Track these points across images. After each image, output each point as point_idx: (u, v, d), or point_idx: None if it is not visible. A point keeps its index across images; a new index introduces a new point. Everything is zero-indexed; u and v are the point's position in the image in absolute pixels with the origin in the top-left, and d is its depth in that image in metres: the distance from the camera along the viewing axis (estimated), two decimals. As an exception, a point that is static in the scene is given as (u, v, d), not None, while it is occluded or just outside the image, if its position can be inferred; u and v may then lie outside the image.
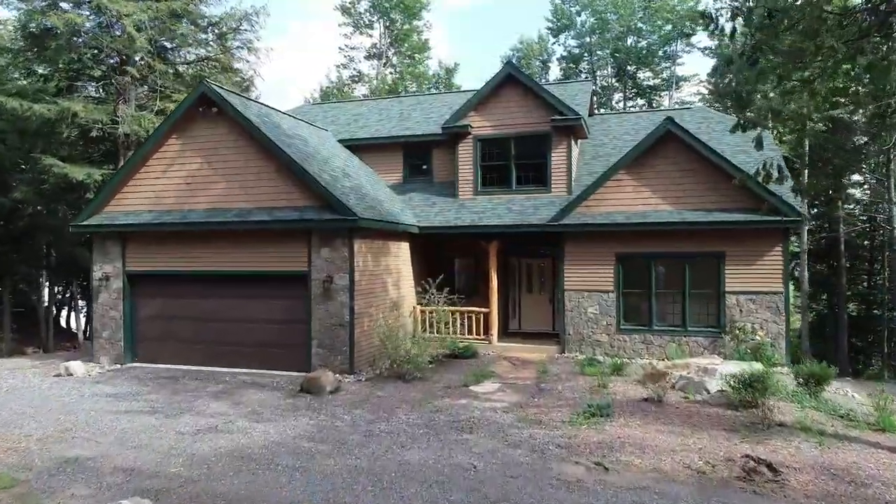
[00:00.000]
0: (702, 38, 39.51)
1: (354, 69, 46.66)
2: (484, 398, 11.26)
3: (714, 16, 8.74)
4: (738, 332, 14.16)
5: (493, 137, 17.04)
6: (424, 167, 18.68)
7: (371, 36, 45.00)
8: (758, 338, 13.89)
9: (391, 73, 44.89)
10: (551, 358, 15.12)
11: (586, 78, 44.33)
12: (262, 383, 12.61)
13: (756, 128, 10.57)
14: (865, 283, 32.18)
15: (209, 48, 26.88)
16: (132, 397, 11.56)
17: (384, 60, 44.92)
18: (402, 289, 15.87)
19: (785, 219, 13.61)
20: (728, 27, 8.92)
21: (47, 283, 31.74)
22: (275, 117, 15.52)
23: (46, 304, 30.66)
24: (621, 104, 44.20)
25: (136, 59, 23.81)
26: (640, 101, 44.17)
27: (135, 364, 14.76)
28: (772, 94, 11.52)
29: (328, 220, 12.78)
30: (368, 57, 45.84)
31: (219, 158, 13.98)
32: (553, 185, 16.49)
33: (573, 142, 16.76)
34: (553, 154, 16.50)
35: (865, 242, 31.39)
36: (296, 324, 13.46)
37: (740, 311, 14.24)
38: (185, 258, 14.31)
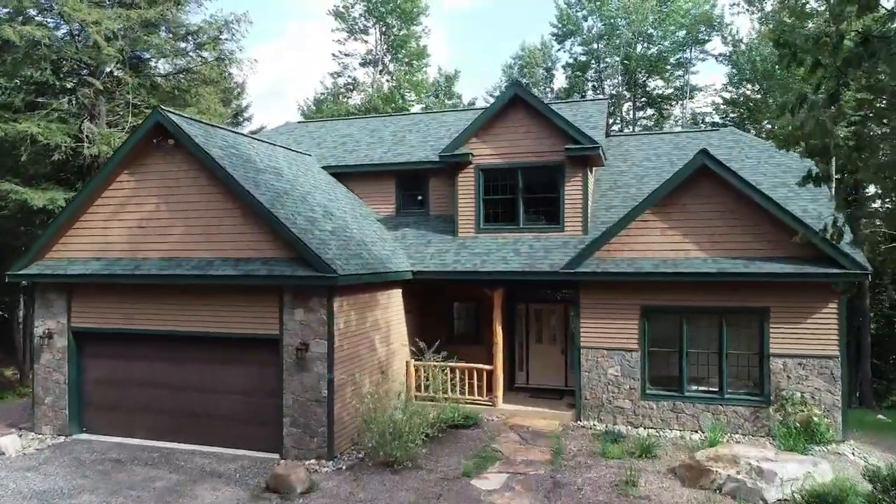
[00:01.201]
0: (716, 45, 37.60)
1: (349, 76, 44.78)
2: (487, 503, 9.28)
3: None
4: (784, 401, 12.19)
5: (498, 167, 15.09)
6: (420, 198, 16.73)
7: (366, 42, 43.14)
8: (813, 412, 11.91)
9: (388, 80, 42.94)
10: (566, 427, 13.15)
11: (594, 87, 42.43)
12: (223, 472, 10.64)
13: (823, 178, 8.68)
14: (887, 303, 30.33)
15: (189, 58, 24.93)
16: (61, 498, 9.58)
17: (380, 67, 43.00)
18: (393, 343, 13.91)
19: (845, 271, 11.62)
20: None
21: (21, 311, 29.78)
22: (245, 147, 13.55)
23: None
24: (630, 114, 42.26)
25: (105, 71, 21.83)
26: (650, 111, 42.22)
27: (81, 436, 12.79)
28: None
29: (303, 276, 10.82)
30: (364, 64, 43.93)
31: (177, 199, 12.03)
32: (566, 223, 14.52)
33: (589, 172, 14.78)
34: (566, 187, 14.54)
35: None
36: (266, 397, 11.50)
37: (787, 377, 12.26)
38: (139, 314, 12.35)
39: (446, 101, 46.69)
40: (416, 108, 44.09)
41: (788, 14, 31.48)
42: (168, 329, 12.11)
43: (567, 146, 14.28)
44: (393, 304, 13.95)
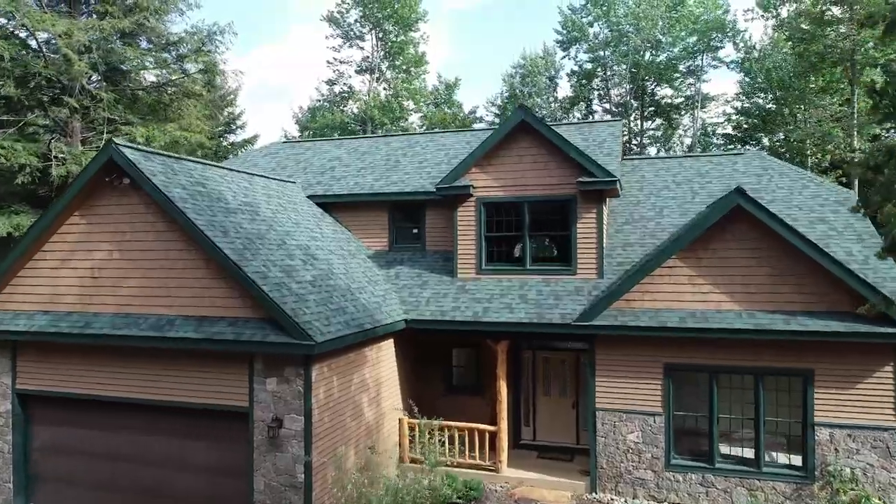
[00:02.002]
0: (728, 52, 36.10)
1: (345, 84, 43.34)
2: None
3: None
4: (832, 478, 10.68)
5: (502, 201, 13.59)
6: (416, 230, 15.25)
7: (362, 49, 41.68)
8: (865, 492, 10.40)
9: (385, 88, 41.52)
10: (579, 500, 11.67)
11: (599, 96, 40.96)
12: (180, 575, 9.11)
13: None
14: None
15: (171, 70, 23.46)
16: None
17: (377, 75, 41.54)
18: (384, 403, 12.41)
19: (904, 333, 10.12)
20: None
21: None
22: (216, 182, 12.05)
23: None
24: (638, 122, 40.75)
25: (77, 86, 20.37)
26: (659, 121, 40.72)
27: (26, 514, 11.27)
28: None
29: (275, 343, 9.31)
30: (360, 71, 42.48)
31: (133, 246, 10.54)
32: (579, 265, 13.01)
33: (604, 206, 13.27)
34: (579, 225, 13.03)
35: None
36: (234, 477, 10.00)
37: (835, 449, 10.75)
38: (91, 377, 10.86)
39: (446, 109, 45.27)
40: (415, 117, 42.73)
41: (808, 22, 30.07)
42: (123, 395, 10.61)
43: (580, 179, 12.77)
44: (384, 358, 12.45)
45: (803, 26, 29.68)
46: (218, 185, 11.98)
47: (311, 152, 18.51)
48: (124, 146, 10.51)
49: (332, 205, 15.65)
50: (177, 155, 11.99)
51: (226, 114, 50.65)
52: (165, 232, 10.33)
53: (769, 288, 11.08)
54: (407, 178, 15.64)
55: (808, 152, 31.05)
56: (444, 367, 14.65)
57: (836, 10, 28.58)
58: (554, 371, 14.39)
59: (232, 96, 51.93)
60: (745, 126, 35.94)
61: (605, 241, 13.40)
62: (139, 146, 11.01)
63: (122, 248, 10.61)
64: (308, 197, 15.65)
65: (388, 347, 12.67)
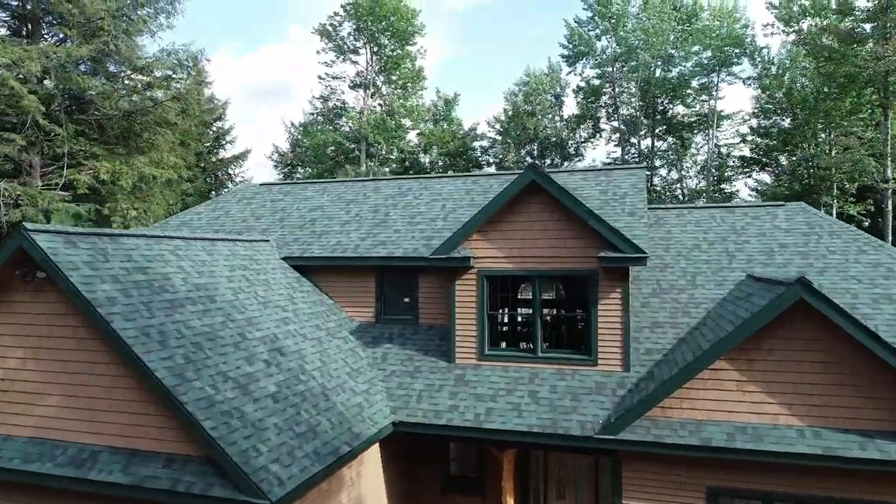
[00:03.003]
0: (745, 67, 34.14)
1: (338, 100, 41.40)
2: None
3: None
4: None
5: (508, 275, 11.62)
6: (407, 299, 13.25)
7: (356, 63, 39.70)
8: None
9: (380, 104, 39.57)
10: None
11: (608, 114, 38.99)
12: None
13: None
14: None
15: (140, 97, 21.48)
16: None
17: (371, 90, 39.57)
18: (367, 526, 10.38)
19: None
20: None
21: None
22: (162, 262, 10.05)
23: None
24: (648, 141, 38.74)
25: (29, 120, 18.39)
26: (671, 139, 38.70)
27: None
28: None
29: (219, 499, 7.30)
30: (353, 86, 40.51)
31: (53, 355, 8.61)
32: (601, 355, 11.01)
33: (630, 284, 11.27)
34: (601, 306, 11.04)
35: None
36: None
37: None
38: (0, 513, 8.83)
39: (444, 125, 43.36)
40: (412, 135, 40.79)
41: (836, 40, 28.14)
42: (38, 541, 8.59)
43: (602, 254, 10.77)
44: (367, 473, 10.44)
45: (830, 43, 27.76)
46: (165, 267, 9.97)
47: (290, 198, 16.51)
48: (41, 231, 8.52)
49: (311, 268, 13.67)
50: (115, 231, 9.97)
51: (214, 128, 48.92)
52: (89, 340, 8.35)
53: (839, 400, 9.08)
54: (397, 236, 13.65)
55: (834, 179, 29.09)
56: (440, 465, 12.64)
57: (867, 27, 26.67)
58: (570, 476, 12.36)
59: (221, 111, 50.21)
60: (764, 148, 33.94)
61: (631, 320, 11.38)
62: (61, 229, 9.00)
63: (38, 356, 8.62)
64: (284, 258, 13.66)
65: (371, 456, 10.67)
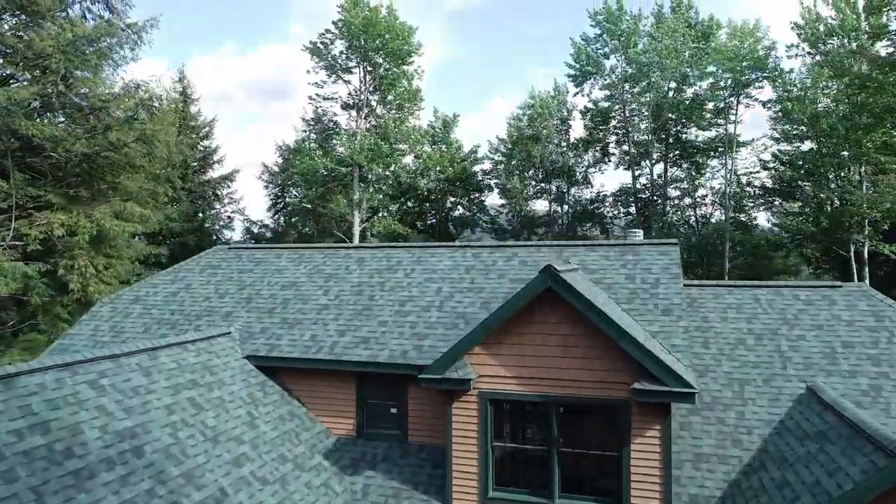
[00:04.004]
0: (765, 89, 32.00)
1: (330, 121, 39.25)
2: None
3: None
4: None
5: (518, 399, 9.45)
6: (394, 410, 11.10)
7: (348, 82, 37.50)
8: None
9: (374, 125, 37.40)
10: None
11: (618, 140, 36.85)
12: None
13: None
14: None
15: (100, 138, 19.32)
16: None
17: (365, 112, 37.38)
18: None
19: None
20: None
21: None
22: (74, 407, 7.90)
23: None
24: (660, 166, 36.61)
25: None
26: (686, 165, 36.57)
27: None
28: None
29: None
30: (346, 107, 38.35)
31: None
32: (634, 507, 8.85)
33: (672, 420, 9.09)
34: (634, 446, 8.89)
35: None
36: None
37: None
38: None
39: (443, 147, 41.30)
40: (408, 159, 38.69)
41: (867, 63, 26.06)
42: None
43: (637, 386, 8.61)
44: None
45: (863, 69, 25.67)
46: (78, 413, 7.81)
47: (260, 269, 14.35)
48: None
49: (280, 368, 11.53)
50: (9, 370, 7.79)
51: (201, 147, 46.92)
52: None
53: None
54: (383, 331, 11.49)
55: (866, 215, 26.97)
56: None
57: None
58: None
59: (207, 129, 48.19)
60: (787, 178, 31.79)
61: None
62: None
63: None
64: (248, 357, 11.51)
65: None
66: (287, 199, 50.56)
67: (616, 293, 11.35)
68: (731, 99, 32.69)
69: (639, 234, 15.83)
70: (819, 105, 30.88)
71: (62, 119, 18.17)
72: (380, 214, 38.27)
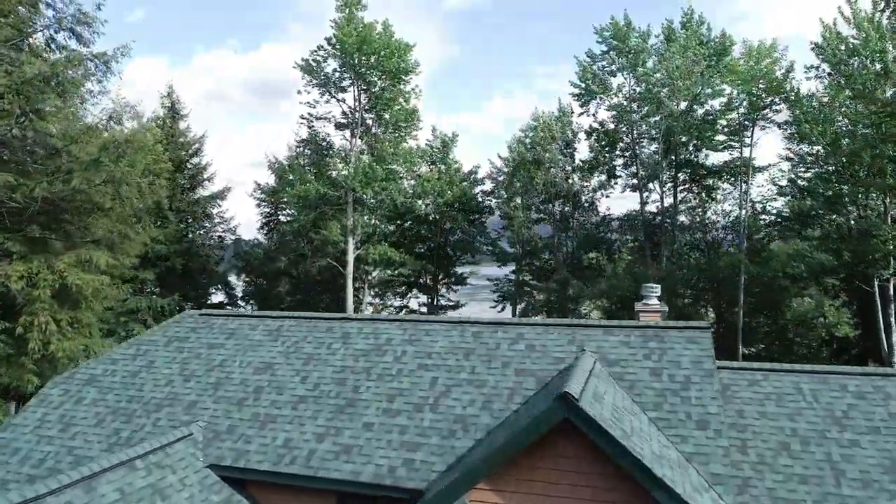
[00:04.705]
0: (782, 110, 30.38)
1: (323, 140, 37.70)
2: None
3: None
4: None
5: (527, 548, 7.87)
6: (381, 533, 9.51)
7: (343, 101, 35.94)
8: None
9: (370, 146, 35.88)
10: None
11: (626, 163, 35.19)
12: None
13: None
14: None
15: (64, 181, 17.75)
16: None
17: (360, 132, 35.79)
18: None
19: None
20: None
21: None
22: None
23: None
24: (670, 191, 35.02)
25: None
26: (696, 189, 35.01)
27: None
28: None
29: None
30: (339, 126, 36.79)
31: None
32: None
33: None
34: None
35: None
36: None
37: None
38: None
39: (441, 167, 39.77)
40: (406, 184, 37.13)
41: (891, 85, 24.58)
42: None
43: (675, 547, 7.03)
44: None
45: (891, 94, 24.16)
46: None
47: (232, 343, 12.78)
48: None
49: (248, 480, 9.97)
50: None
51: (191, 164, 45.41)
52: None
53: None
54: (367, 438, 9.93)
55: (891, 252, 25.44)
56: None
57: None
58: None
59: (196, 145, 46.73)
60: (805, 207, 30.21)
61: None
62: None
63: None
64: (210, 466, 9.96)
65: None
66: (280, 217, 49.10)
67: (641, 394, 9.81)
68: (747, 122, 31.07)
69: (656, 290, 14.41)
70: (838, 123, 29.32)
71: (20, 162, 16.57)
72: (374, 240, 36.65)
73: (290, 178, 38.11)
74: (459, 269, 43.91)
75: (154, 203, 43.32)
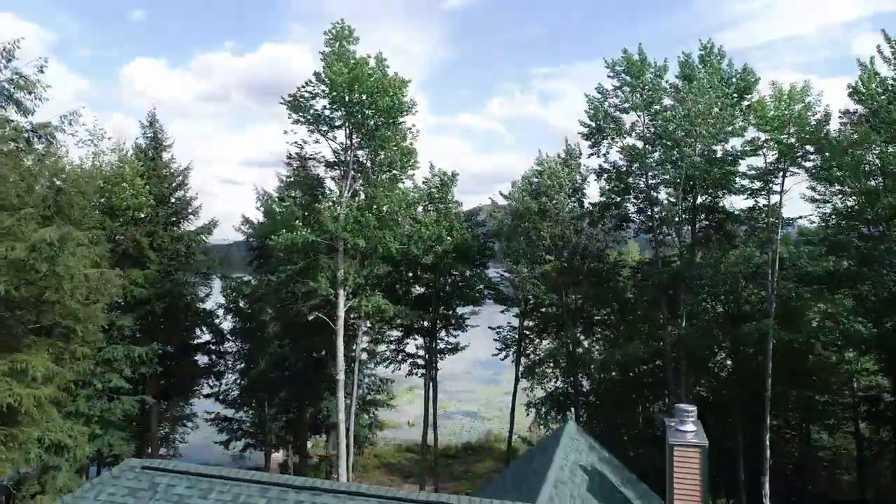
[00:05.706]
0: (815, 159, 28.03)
1: (313, 179, 35.43)
2: None
3: None
4: None
5: None
6: None
7: (333, 139, 33.56)
8: None
9: (361, 188, 33.58)
10: None
11: (640, 208, 32.87)
12: None
13: None
14: None
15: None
16: None
17: (352, 173, 33.34)
18: None
19: None
20: None
21: None
22: None
23: None
24: (688, 236, 32.60)
25: None
26: (717, 237, 32.58)
27: None
28: None
29: None
30: (329, 166, 34.43)
31: None
32: None
33: None
34: None
35: None
36: None
37: None
38: None
39: (440, 206, 37.47)
40: (401, 231, 34.82)
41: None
42: None
43: None
44: None
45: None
46: None
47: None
48: None
49: None
50: None
51: (174, 200, 43.19)
52: None
53: None
54: None
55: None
56: None
57: None
58: None
59: (180, 178, 44.53)
60: (839, 268, 27.82)
61: None
62: None
63: None
64: None
65: None
66: (270, 255, 46.82)
67: None
68: (775, 169, 28.66)
69: (692, 414, 12.25)
70: (866, 166, 26.96)
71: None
72: (367, 291, 34.28)
73: (277, 217, 35.97)
74: (460, 311, 41.65)
75: (133, 243, 40.89)
